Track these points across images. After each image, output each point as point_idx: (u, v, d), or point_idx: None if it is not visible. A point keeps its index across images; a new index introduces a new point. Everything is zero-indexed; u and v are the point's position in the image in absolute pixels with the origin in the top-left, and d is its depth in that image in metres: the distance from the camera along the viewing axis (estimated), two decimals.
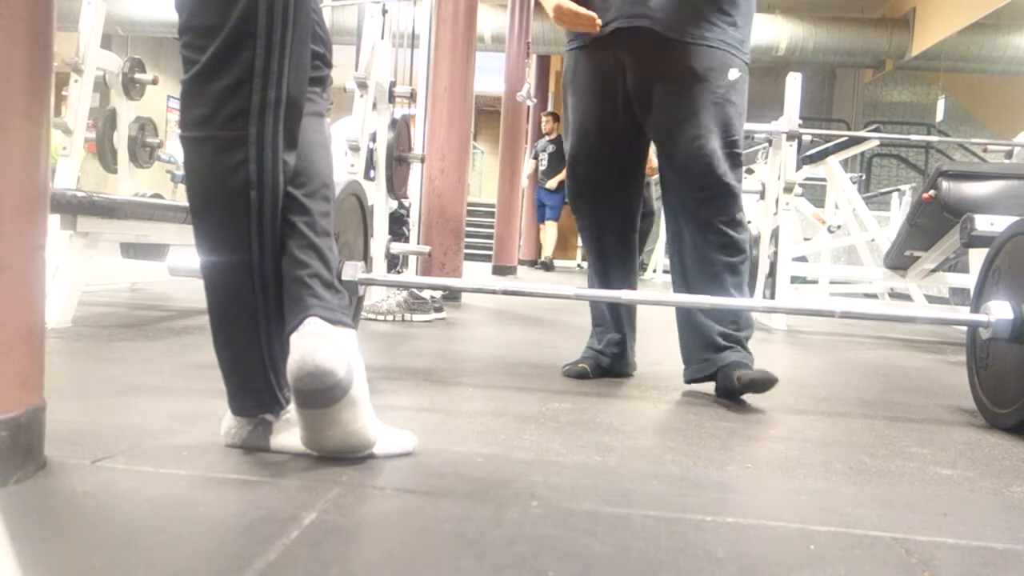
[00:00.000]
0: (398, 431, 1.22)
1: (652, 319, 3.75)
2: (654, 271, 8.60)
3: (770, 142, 4.17)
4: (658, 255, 8.35)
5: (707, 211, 1.88)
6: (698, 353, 1.93)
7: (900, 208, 5.53)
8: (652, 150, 2.03)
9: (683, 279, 1.97)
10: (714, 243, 1.90)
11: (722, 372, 1.86)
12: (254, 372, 1.15)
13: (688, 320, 1.97)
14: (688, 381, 1.97)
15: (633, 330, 2.13)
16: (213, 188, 1.12)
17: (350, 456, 1.14)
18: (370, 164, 3.68)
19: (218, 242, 1.13)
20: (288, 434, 1.16)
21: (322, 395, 1.07)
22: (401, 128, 3.80)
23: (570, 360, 2.11)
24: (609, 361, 2.08)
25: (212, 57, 1.08)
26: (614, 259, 2.09)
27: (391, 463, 1.16)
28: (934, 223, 3.58)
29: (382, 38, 3.66)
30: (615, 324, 2.10)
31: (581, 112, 2.00)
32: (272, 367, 1.15)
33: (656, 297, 2.12)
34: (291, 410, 1.16)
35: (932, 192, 3.45)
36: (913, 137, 6.45)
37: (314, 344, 1.06)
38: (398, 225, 4.27)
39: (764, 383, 1.75)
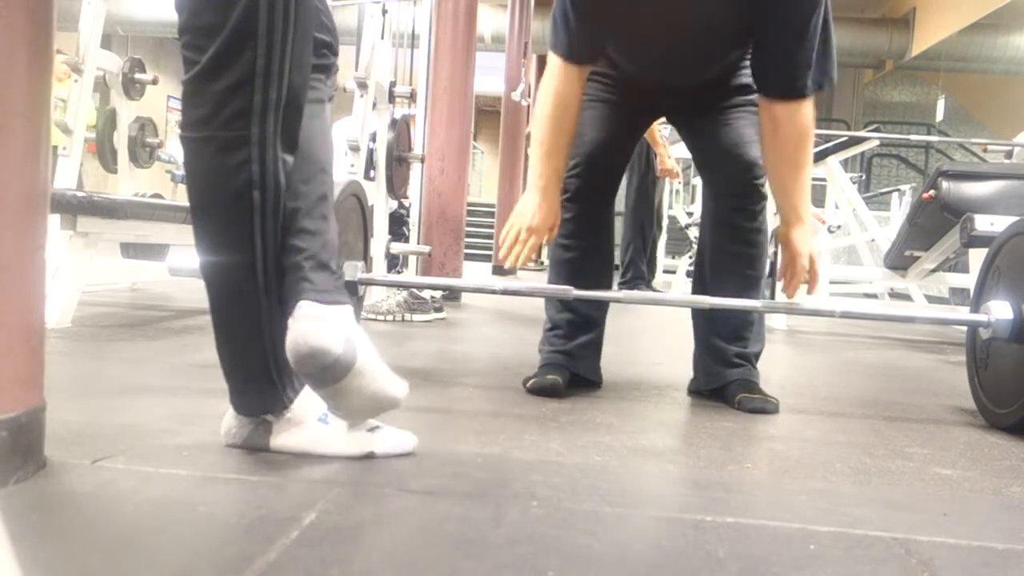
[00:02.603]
0: (398, 431, 1.22)
1: (653, 319, 3.75)
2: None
3: None
4: (658, 255, 8.35)
5: (740, 218, 1.90)
6: (709, 367, 1.92)
7: (900, 208, 5.52)
8: (670, 150, 2.02)
9: (700, 283, 1.98)
10: (736, 253, 1.92)
11: (728, 388, 1.87)
12: (257, 370, 1.15)
13: (704, 337, 1.95)
14: (691, 392, 1.94)
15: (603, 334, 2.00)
16: (214, 189, 1.12)
17: (381, 413, 1.19)
18: (370, 164, 3.68)
19: (219, 243, 1.13)
20: (288, 434, 1.16)
21: (327, 372, 1.09)
22: (401, 128, 3.80)
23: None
24: (579, 366, 1.91)
25: (213, 57, 1.07)
26: (602, 256, 2.00)
27: (391, 463, 1.16)
28: (934, 223, 3.57)
29: (382, 38, 3.66)
30: (591, 323, 1.95)
31: (610, 105, 1.91)
32: (276, 365, 1.15)
33: (655, 297, 2.12)
34: (293, 410, 1.16)
35: (932, 192, 3.44)
36: (913, 137, 6.46)
37: (305, 326, 1.08)
38: (398, 225, 4.27)
39: (764, 412, 1.76)
